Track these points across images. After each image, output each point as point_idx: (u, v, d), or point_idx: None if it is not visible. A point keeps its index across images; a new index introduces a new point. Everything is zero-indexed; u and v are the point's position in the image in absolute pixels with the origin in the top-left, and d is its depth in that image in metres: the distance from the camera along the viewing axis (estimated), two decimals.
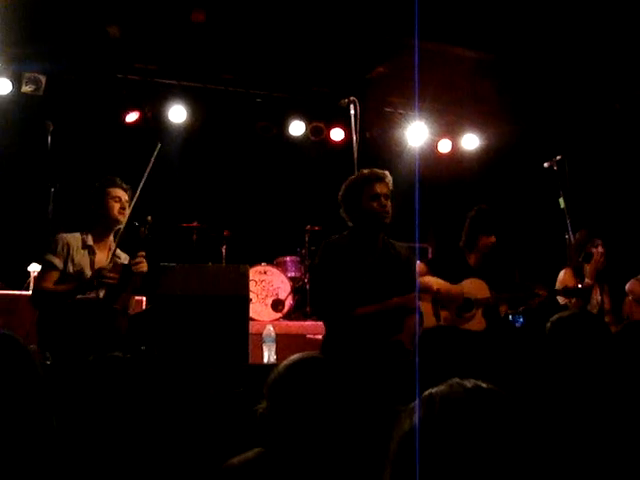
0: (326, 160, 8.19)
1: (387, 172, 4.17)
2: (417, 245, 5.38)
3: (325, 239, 4.24)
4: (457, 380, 1.24)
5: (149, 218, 4.20)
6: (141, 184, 4.22)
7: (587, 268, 5.43)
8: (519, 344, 4.41)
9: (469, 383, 1.23)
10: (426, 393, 1.23)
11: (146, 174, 4.23)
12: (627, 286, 5.58)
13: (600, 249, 5.48)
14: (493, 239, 5.00)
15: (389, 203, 4.11)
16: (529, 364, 2.89)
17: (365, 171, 4.17)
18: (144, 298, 5.41)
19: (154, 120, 7.81)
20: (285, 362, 2.12)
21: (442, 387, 1.23)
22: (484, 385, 1.22)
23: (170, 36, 7.00)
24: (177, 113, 7.83)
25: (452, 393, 1.21)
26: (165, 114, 7.83)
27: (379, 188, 4.07)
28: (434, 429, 1.16)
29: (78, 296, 4.09)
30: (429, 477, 1.13)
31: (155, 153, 4.29)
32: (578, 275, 5.48)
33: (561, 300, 5.40)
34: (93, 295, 4.13)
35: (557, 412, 2.22)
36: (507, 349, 4.21)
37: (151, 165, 4.25)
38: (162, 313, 3.69)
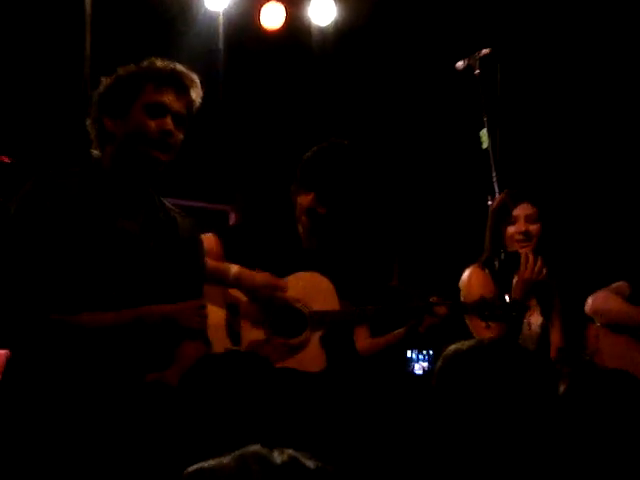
0: None
1: (195, 76, 2.24)
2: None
3: (36, 176, 2.21)
4: None
5: None
6: None
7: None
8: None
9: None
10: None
11: None
12: (587, 305, 3.17)
13: (530, 227, 3.07)
14: (311, 197, 2.90)
15: (180, 134, 2.19)
16: None
17: (157, 62, 2.21)
18: None
19: None
20: None
21: None
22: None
23: None
24: None
25: None
26: None
27: (167, 97, 2.16)
28: None
29: None
30: None
31: None
32: (497, 280, 3.07)
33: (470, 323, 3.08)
34: None
35: None
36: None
37: None
38: None
